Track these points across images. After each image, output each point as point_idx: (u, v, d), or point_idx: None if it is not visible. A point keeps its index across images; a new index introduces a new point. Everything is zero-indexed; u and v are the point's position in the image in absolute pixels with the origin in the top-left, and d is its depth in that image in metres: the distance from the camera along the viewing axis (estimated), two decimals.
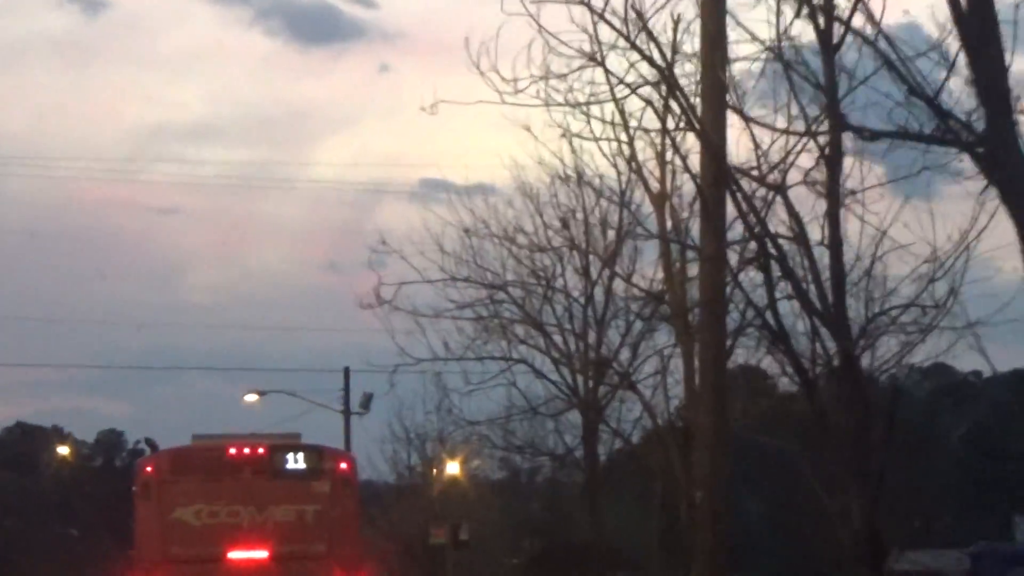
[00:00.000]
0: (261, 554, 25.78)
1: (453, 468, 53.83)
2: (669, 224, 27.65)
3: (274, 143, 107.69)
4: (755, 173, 18.78)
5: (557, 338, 33.15)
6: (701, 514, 20.35)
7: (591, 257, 31.89)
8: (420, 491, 50.91)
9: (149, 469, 26.17)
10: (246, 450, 26.17)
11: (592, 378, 32.77)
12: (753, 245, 18.71)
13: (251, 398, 51.67)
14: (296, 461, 26.40)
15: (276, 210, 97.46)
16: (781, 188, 18.49)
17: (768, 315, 18.65)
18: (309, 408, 48.87)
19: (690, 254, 26.09)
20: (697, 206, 22.79)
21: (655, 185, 27.63)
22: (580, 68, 19.43)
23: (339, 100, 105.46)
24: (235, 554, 25.72)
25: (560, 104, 21.53)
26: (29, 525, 70.09)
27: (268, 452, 26.19)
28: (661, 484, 29.08)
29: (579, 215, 31.80)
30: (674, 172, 27.43)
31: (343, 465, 26.55)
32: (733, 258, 20.63)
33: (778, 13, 18.49)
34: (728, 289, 20.83)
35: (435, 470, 55.00)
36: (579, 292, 33.12)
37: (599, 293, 32.59)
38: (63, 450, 73.65)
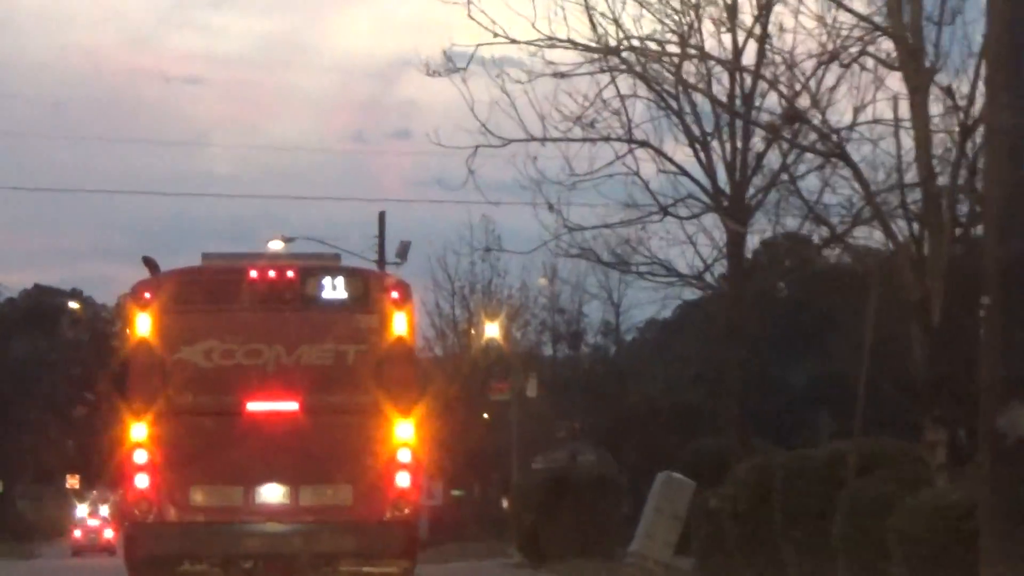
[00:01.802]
0: (289, 405, 21.25)
1: (492, 330, 48.82)
2: None
3: (299, 11, 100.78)
4: None
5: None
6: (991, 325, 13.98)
7: None
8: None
9: (147, 295, 21.36)
10: (271, 273, 21.41)
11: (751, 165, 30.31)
12: None
13: (276, 245, 46.45)
14: (335, 288, 21.63)
15: (301, 80, 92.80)
16: None
17: None
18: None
19: None
20: None
21: None
22: None
23: None
24: (256, 405, 21.18)
25: None
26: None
27: (299, 276, 21.49)
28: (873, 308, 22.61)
29: None
30: None
31: (394, 293, 21.62)
32: None
33: None
34: None
35: (473, 331, 50.41)
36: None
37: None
38: (74, 305, 69.34)
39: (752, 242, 32.28)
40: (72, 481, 66.74)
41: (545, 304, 58.46)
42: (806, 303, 51.73)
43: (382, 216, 47.54)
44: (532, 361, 53.72)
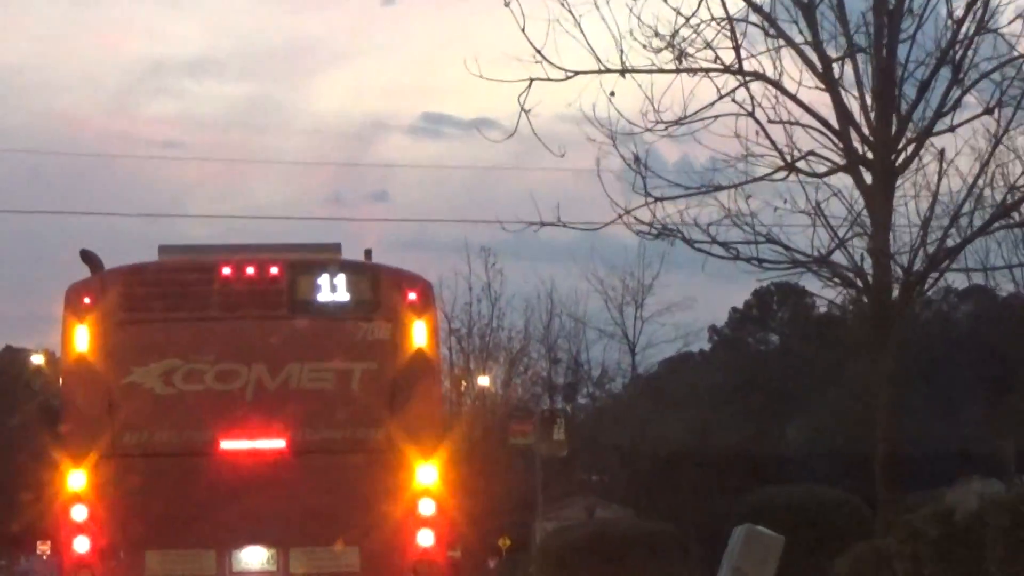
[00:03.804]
0: (275, 443, 17.43)
1: (484, 381, 45.51)
2: None
3: (275, 77, 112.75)
4: None
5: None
6: None
7: None
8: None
9: (87, 300, 17.51)
10: (250, 269, 17.59)
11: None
12: None
13: None
14: (334, 288, 17.64)
15: (277, 143, 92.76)
16: None
17: None
18: None
19: None
20: None
21: None
22: None
23: (342, 33, 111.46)
24: (231, 443, 17.36)
25: None
26: None
27: (287, 273, 17.67)
28: None
29: None
30: None
31: (412, 295, 17.73)
32: None
33: None
34: None
35: (463, 383, 47.33)
36: None
37: None
38: (38, 359, 65.17)
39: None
40: (43, 547, 62.61)
41: (542, 352, 57.47)
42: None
43: (368, 254, 43.54)
44: (570, 398, 50.46)
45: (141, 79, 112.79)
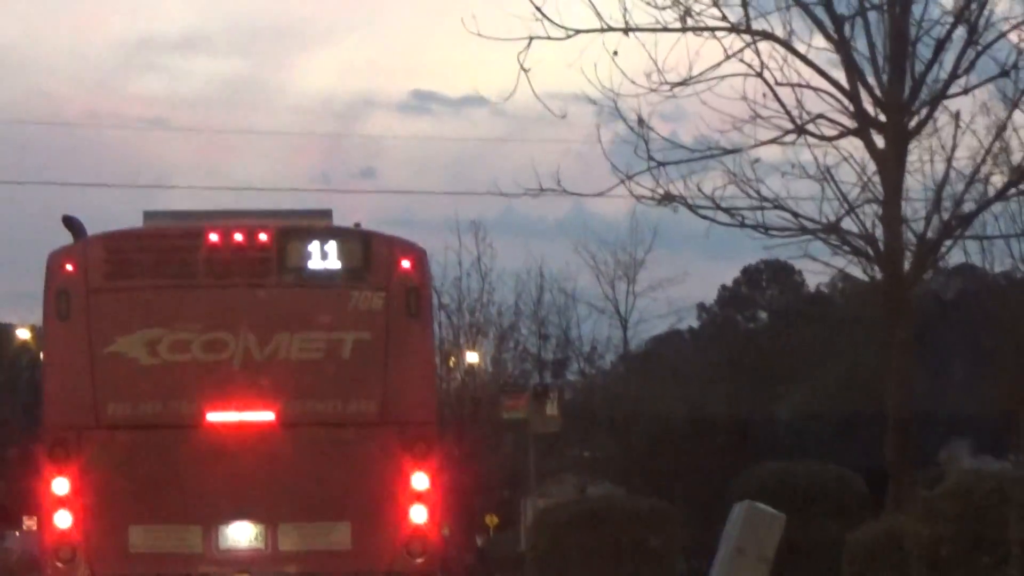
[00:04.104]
0: (264, 415, 16.97)
1: (472, 357, 48.78)
2: None
3: (263, 54, 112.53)
4: None
5: None
6: None
7: None
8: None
9: (69, 267, 17.06)
10: (238, 236, 17.12)
11: None
12: None
13: None
14: (325, 255, 17.17)
15: (266, 121, 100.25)
16: None
17: None
18: None
19: None
20: None
21: None
22: None
23: (332, 10, 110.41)
24: (218, 415, 16.92)
25: None
26: None
27: (276, 239, 17.17)
28: None
29: None
30: None
31: (405, 262, 17.25)
32: None
33: None
34: None
35: (452, 359, 47.07)
36: None
37: None
38: (24, 333, 64.45)
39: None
40: (30, 522, 62.05)
41: (532, 328, 56.83)
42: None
43: (358, 227, 43.49)
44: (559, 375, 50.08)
45: (128, 56, 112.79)
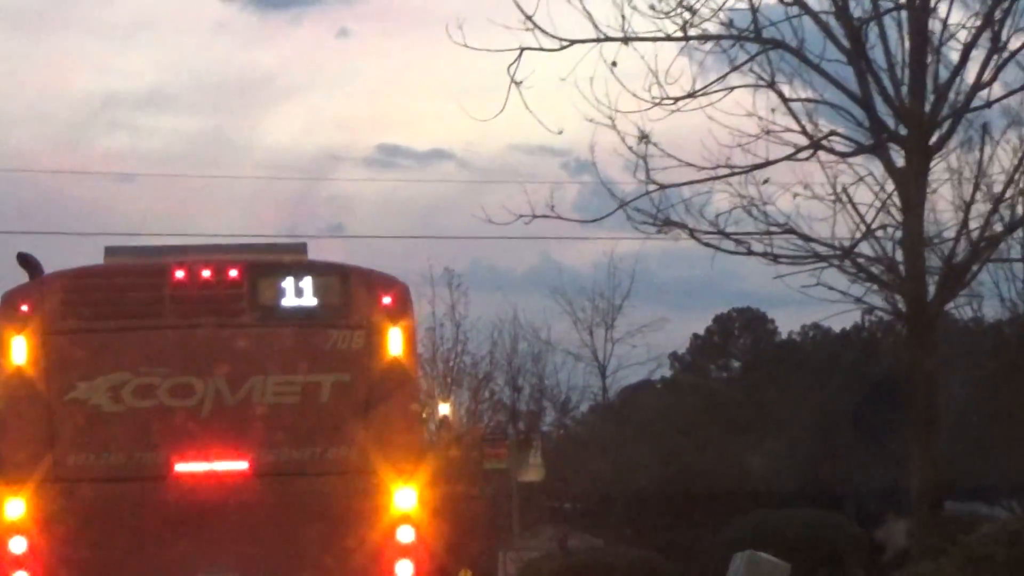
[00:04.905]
0: (236, 465, 16.06)
1: (444, 409, 47.53)
2: None
3: (229, 111, 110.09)
4: None
5: None
6: None
7: None
8: None
9: (24, 308, 16.10)
10: (206, 272, 16.23)
11: None
12: None
13: None
14: (300, 292, 16.22)
15: (232, 177, 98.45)
16: None
17: None
18: None
19: None
20: None
21: None
22: None
23: (296, 66, 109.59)
24: (187, 466, 16.01)
25: None
26: None
27: (247, 275, 16.26)
28: None
29: None
30: None
31: (387, 299, 16.30)
32: None
33: None
34: None
35: (426, 411, 46.84)
36: None
37: None
38: None
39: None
40: None
41: (507, 379, 56.73)
42: None
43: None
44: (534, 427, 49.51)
45: (93, 114, 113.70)
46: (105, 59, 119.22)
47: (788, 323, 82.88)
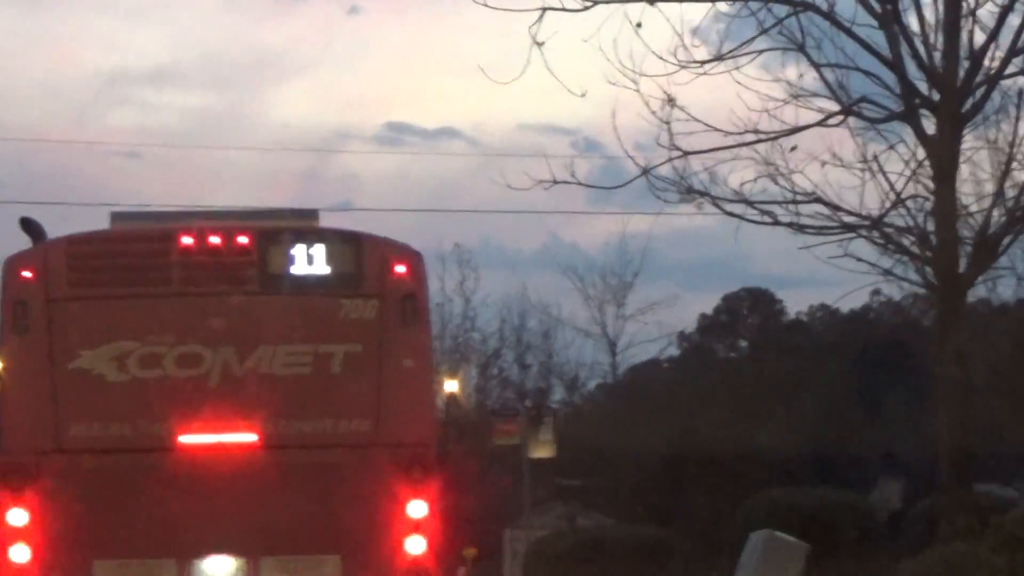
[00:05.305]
0: (245, 437, 15.68)
1: (452, 386, 46.93)
2: None
3: (238, 89, 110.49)
4: None
5: None
6: None
7: None
8: None
9: (26, 274, 15.74)
10: (214, 239, 15.82)
11: None
12: None
13: None
14: (312, 260, 15.83)
15: (240, 156, 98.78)
16: None
17: None
18: None
19: None
20: None
21: None
22: None
23: (305, 44, 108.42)
24: (194, 437, 15.63)
25: None
26: None
27: (257, 242, 15.90)
28: None
29: None
30: None
31: (400, 267, 15.89)
32: None
33: None
34: None
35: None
36: None
37: None
38: None
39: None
40: None
41: (514, 355, 56.78)
42: None
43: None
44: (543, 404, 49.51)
45: (102, 90, 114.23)
46: (114, 36, 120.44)
47: (797, 303, 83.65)
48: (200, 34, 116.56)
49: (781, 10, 23.33)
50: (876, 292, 56.91)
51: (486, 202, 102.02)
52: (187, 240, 15.83)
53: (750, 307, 72.48)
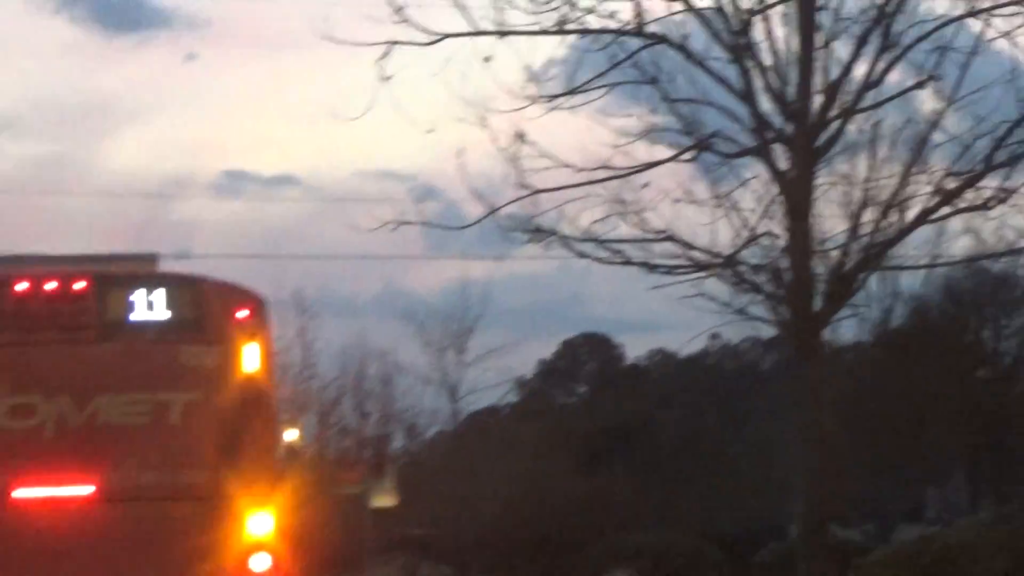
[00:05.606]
0: (81, 490, 15.25)
1: (292, 435, 44.02)
2: None
3: (73, 136, 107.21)
4: None
5: None
6: None
7: None
8: None
9: None
10: (50, 284, 15.39)
11: None
12: None
13: None
14: (151, 305, 15.44)
15: (76, 204, 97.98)
16: None
17: None
18: None
19: None
20: None
21: None
22: None
23: (142, 90, 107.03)
24: (27, 491, 15.19)
25: None
26: None
27: (94, 287, 15.48)
28: None
29: None
30: None
31: (242, 312, 15.62)
32: None
33: None
34: None
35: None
36: None
37: None
38: None
39: None
40: None
41: (354, 404, 56.35)
42: None
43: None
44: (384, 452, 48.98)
45: None
46: None
47: (635, 348, 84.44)
48: (36, 80, 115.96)
49: (633, 43, 23.26)
50: (715, 336, 57.73)
51: (325, 249, 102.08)
52: (21, 286, 15.48)
53: (588, 352, 73.46)
